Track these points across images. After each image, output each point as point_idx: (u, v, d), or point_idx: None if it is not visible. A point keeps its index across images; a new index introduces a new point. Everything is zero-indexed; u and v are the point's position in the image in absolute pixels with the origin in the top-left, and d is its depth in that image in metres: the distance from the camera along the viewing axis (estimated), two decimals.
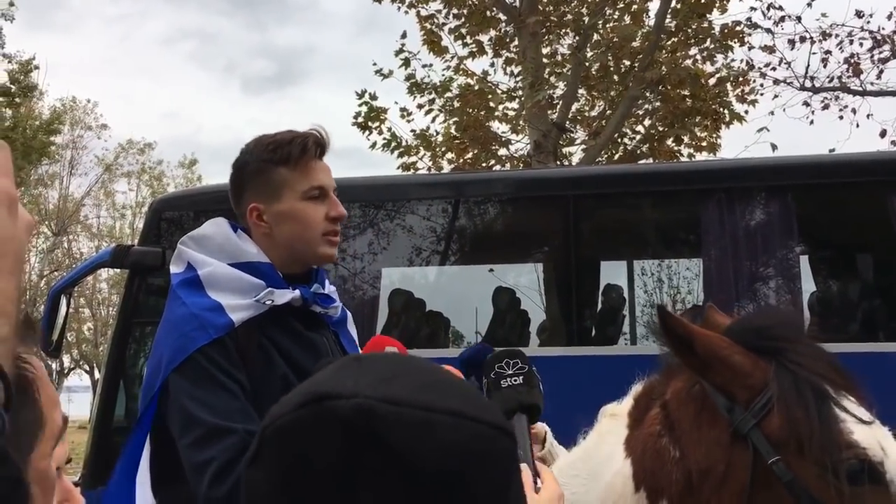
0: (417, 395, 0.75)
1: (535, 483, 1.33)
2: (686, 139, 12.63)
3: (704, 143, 12.86)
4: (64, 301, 6.88)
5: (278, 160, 1.98)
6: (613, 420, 1.70)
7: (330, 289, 2.09)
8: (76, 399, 53.81)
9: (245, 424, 1.76)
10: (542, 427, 2.12)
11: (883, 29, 12.44)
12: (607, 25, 12.84)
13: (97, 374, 35.14)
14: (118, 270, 20.66)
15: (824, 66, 12.73)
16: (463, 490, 0.74)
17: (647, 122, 13.11)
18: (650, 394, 1.65)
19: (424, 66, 13.04)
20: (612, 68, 12.59)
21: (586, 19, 12.33)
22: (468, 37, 13.03)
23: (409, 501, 0.73)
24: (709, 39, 12.03)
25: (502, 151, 13.18)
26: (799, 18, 12.51)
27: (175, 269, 2.00)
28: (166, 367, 1.84)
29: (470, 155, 13.09)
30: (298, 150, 1.97)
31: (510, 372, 1.66)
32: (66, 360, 40.67)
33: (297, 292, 1.95)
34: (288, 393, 0.81)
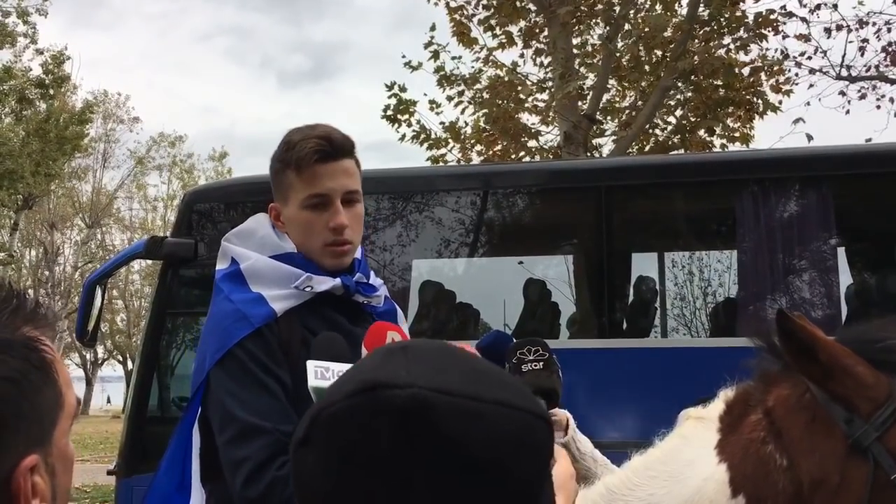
0: (467, 386, 0.78)
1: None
2: (718, 130, 12.47)
3: (737, 134, 12.70)
4: (99, 292, 6.97)
5: (287, 162, 1.95)
6: (699, 423, 1.66)
7: (376, 281, 2.08)
8: (110, 389, 54.72)
9: (280, 425, 1.76)
10: (564, 414, 2.14)
11: None
12: (639, 15, 12.70)
13: (130, 365, 35.63)
14: (150, 262, 20.92)
15: (861, 55, 12.53)
16: (508, 476, 0.77)
17: (678, 113, 12.97)
18: (746, 400, 1.61)
19: (454, 58, 13.03)
20: (643, 58, 12.46)
21: (617, 9, 12.21)
22: (498, 28, 12.96)
23: (459, 487, 0.75)
24: (742, 28, 11.86)
25: (532, 143, 13.13)
26: (835, 6, 12.31)
27: (220, 265, 2.01)
28: (209, 362, 1.86)
29: (499, 147, 13.05)
30: (299, 154, 1.92)
31: (531, 358, 1.73)
32: (99, 350, 41.31)
33: (338, 281, 1.94)
34: None
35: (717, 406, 1.65)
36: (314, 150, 1.91)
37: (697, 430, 1.65)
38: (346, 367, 1.62)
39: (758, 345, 1.61)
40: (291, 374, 1.84)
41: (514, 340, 1.81)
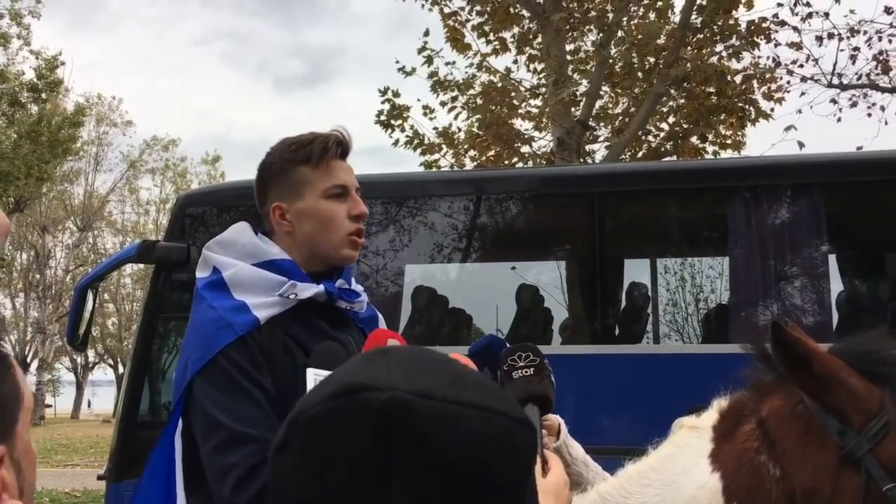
0: (447, 389, 0.78)
1: (543, 469, 1.39)
2: (711, 137, 12.52)
3: (729, 141, 12.75)
4: (90, 296, 6.95)
5: (300, 159, 1.99)
6: (693, 432, 1.67)
7: (358, 287, 2.09)
8: (100, 393, 54.50)
9: (266, 433, 1.75)
10: (556, 420, 2.14)
11: None
12: (632, 22, 12.76)
13: (121, 369, 35.49)
14: (142, 266, 20.88)
15: (853, 63, 12.60)
16: (488, 479, 0.77)
17: (671, 120, 13.02)
18: (740, 410, 1.62)
19: (447, 63, 13.05)
20: (636, 65, 12.51)
21: (611, 16, 12.26)
22: (491, 34, 12.99)
23: (439, 490, 0.75)
24: (735, 36, 11.92)
25: (525, 149, 13.15)
26: (827, 15, 12.38)
27: (201, 273, 2.01)
28: (191, 370, 1.85)
29: (493, 152, 13.07)
30: (319, 149, 1.98)
31: (522, 364, 1.73)
32: (90, 354, 41.15)
33: (321, 287, 1.95)
34: None
35: (711, 415, 1.66)
36: (337, 142, 2.00)
37: (691, 438, 1.66)
38: None
39: (751, 354, 1.62)
40: (273, 381, 1.84)
41: (507, 345, 1.81)
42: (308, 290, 1.93)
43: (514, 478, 0.80)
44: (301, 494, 0.78)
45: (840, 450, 1.46)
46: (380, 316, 2.15)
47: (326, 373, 1.61)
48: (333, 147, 1.99)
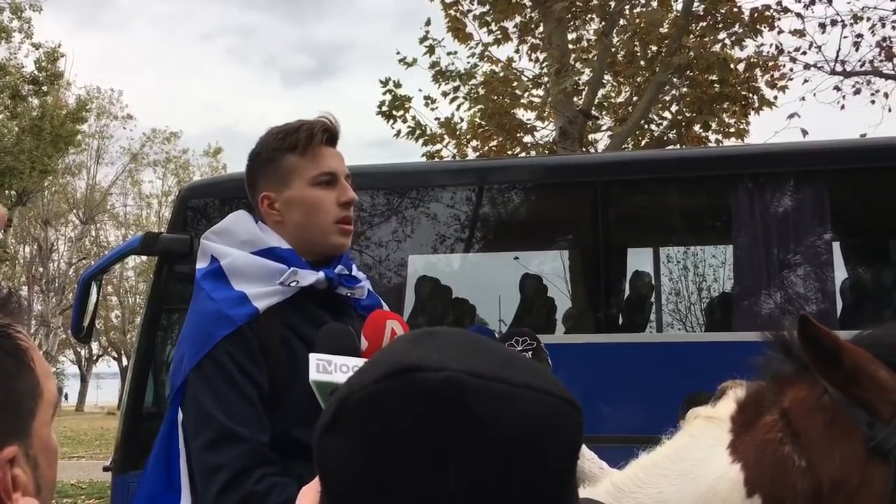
0: (499, 370, 0.78)
1: None
2: (714, 125, 12.49)
3: (733, 130, 12.72)
4: (94, 288, 6.96)
5: (287, 147, 1.99)
6: (709, 422, 1.66)
7: (359, 274, 2.08)
8: (104, 385, 54.63)
9: (256, 433, 1.76)
10: None
11: None
12: (634, 10, 12.71)
13: (125, 361, 35.58)
14: (145, 258, 20.92)
15: (856, 50, 12.57)
16: (540, 458, 0.78)
17: (674, 108, 12.97)
18: (759, 400, 1.61)
19: (449, 53, 13.01)
20: (638, 54, 12.47)
21: (613, 4, 12.21)
22: (493, 23, 12.95)
23: (492, 469, 0.76)
24: (738, 24, 11.87)
25: (528, 139, 13.12)
26: (830, 1, 12.33)
27: (200, 264, 2.01)
28: (186, 365, 1.85)
29: (495, 142, 13.05)
30: (305, 136, 1.97)
31: (520, 348, 1.74)
32: (94, 347, 41.26)
33: (322, 274, 1.94)
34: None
35: (728, 406, 1.66)
36: (324, 129, 1.99)
37: (708, 429, 1.65)
38: (347, 359, 1.61)
39: (770, 345, 1.61)
40: (270, 373, 1.84)
41: (495, 335, 1.81)
42: (309, 276, 1.92)
43: (564, 457, 0.81)
44: (351, 472, 0.78)
45: (869, 441, 1.46)
46: (383, 303, 2.13)
47: (328, 357, 1.60)
48: (319, 134, 1.98)
